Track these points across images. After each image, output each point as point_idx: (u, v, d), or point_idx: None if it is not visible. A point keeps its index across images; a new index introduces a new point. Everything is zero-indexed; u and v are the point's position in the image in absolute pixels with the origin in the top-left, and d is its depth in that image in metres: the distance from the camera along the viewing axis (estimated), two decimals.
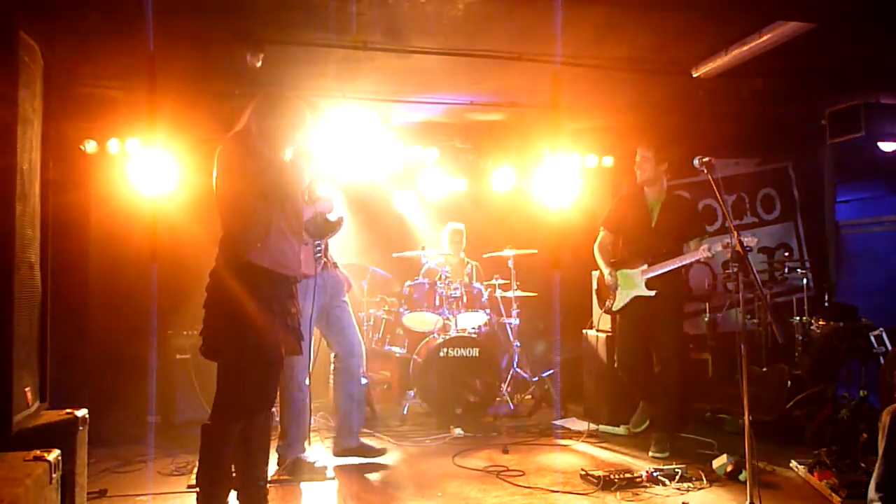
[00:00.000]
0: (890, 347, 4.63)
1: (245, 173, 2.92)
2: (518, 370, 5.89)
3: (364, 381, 4.28)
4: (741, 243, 3.26)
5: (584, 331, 5.55)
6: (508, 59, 4.51)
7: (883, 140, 5.56)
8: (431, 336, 5.60)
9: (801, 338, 5.51)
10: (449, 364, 5.29)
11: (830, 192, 7.33)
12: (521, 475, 3.94)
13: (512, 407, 5.59)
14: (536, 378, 5.92)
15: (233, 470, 3.03)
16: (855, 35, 4.32)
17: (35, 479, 2.14)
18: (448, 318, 5.59)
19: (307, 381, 3.98)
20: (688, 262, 4.35)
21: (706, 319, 6.23)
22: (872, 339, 4.72)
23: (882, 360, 4.57)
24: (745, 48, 4.27)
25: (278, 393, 3.95)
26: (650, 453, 4.34)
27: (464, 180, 6.73)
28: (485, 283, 6.05)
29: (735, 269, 3.39)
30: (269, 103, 3.07)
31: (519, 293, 5.98)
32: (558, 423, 5.32)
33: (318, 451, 4.40)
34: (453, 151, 6.41)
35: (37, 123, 2.68)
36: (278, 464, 3.95)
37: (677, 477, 3.75)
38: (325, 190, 3.52)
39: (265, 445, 3.15)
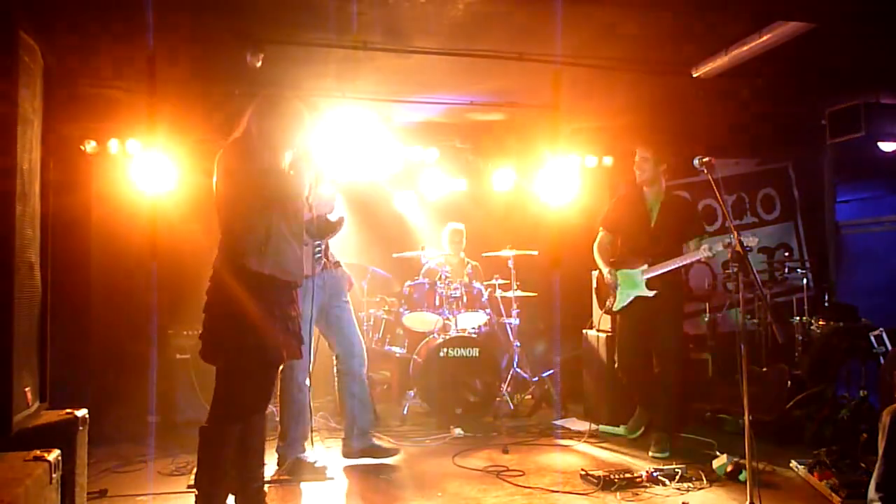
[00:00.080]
0: (890, 347, 4.63)
1: (246, 179, 2.92)
2: (518, 370, 5.89)
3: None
4: (741, 243, 3.26)
5: (584, 331, 5.55)
6: (508, 59, 4.51)
7: (883, 140, 5.56)
8: (431, 336, 5.60)
9: (801, 338, 5.51)
10: (449, 364, 5.28)
11: (830, 192, 7.33)
12: (521, 475, 3.94)
13: (512, 407, 5.59)
14: (536, 378, 5.91)
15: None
16: (855, 35, 4.32)
17: (35, 480, 2.14)
18: (448, 318, 5.59)
19: (307, 382, 3.98)
20: (688, 261, 4.35)
21: (706, 319, 6.23)
22: (872, 339, 4.72)
23: (882, 360, 4.57)
24: (745, 48, 4.27)
25: (279, 393, 3.98)
26: (650, 453, 4.34)
27: (464, 180, 6.73)
28: (485, 283, 6.05)
29: (735, 269, 3.40)
30: (268, 104, 3.08)
31: (519, 293, 5.97)
32: (558, 423, 5.32)
33: (319, 451, 4.40)
34: (453, 151, 6.41)
35: (37, 123, 2.68)
36: (278, 464, 3.95)
37: (677, 477, 3.75)
38: (325, 190, 3.53)
39: (261, 446, 3.15)
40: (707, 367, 5.82)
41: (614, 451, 4.53)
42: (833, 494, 3.47)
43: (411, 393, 5.48)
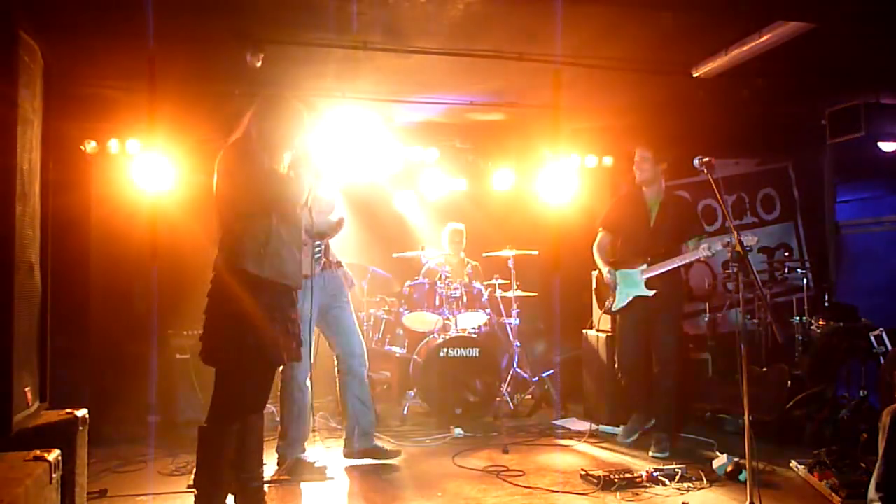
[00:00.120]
0: (890, 347, 4.63)
1: (247, 180, 2.93)
2: (518, 370, 5.89)
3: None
4: (741, 243, 3.26)
5: (584, 331, 5.55)
6: (508, 59, 4.51)
7: (883, 140, 5.57)
8: (431, 336, 5.60)
9: (801, 338, 5.50)
10: (449, 364, 5.28)
11: (830, 192, 7.33)
12: (521, 475, 3.94)
13: (512, 407, 5.60)
14: (536, 378, 5.91)
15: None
16: (855, 35, 4.32)
17: (35, 479, 2.14)
18: (448, 318, 5.59)
19: (308, 382, 3.98)
20: (688, 261, 4.35)
21: (706, 319, 6.23)
22: (872, 339, 4.72)
23: (882, 360, 4.57)
24: (745, 48, 4.27)
25: (279, 393, 3.98)
26: (650, 453, 4.34)
27: (464, 180, 6.73)
28: (485, 283, 6.05)
29: (735, 269, 3.40)
30: (268, 105, 3.08)
31: (519, 293, 5.97)
32: (558, 423, 5.32)
33: (319, 451, 4.40)
34: (453, 151, 6.41)
35: (37, 123, 2.68)
36: (278, 464, 3.95)
37: (677, 477, 3.75)
38: (325, 191, 3.52)
39: (259, 446, 3.16)
40: (707, 367, 5.82)
41: (614, 451, 4.53)
42: (833, 494, 3.47)
43: (411, 393, 5.48)
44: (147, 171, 5.22)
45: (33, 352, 2.69)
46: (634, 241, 4.59)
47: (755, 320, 6.08)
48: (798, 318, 5.61)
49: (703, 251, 4.16)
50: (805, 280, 5.84)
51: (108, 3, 3.70)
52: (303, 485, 3.79)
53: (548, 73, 4.76)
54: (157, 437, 4.76)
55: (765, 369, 5.15)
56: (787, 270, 6.08)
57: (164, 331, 5.28)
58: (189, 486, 3.59)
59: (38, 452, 2.30)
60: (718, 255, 4.16)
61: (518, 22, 4.08)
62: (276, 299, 2.97)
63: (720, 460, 3.89)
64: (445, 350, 5.31)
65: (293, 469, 3.90)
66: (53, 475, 2.32)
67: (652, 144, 4.55)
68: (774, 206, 7.36)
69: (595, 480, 3.71)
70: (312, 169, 3.16)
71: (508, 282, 5.98)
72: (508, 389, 5.71)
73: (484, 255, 6.19)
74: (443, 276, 5.63)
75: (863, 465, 3.61)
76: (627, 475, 3.72)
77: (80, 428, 2.80)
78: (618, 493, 3.57)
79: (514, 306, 5.96)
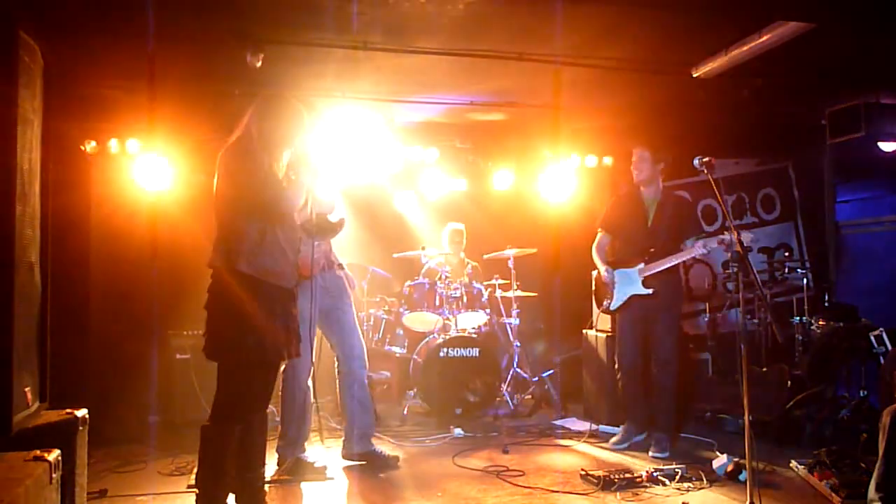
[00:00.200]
0: (890, 347, 4.63)
1: (246, 181, 2.93)
2: (518, 370, 5.89)
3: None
4: (741, 243, 3.26)
5: (584, 331, 5.55)
6: (508, 58, 4.51)
7: (883, 140, 5.57)
8: (431, 336, 5.60)
9: (801, 338, 5.51)
10: (449, 364, 5.29)
11: (830, 192, 7.33)
12: (521, 475, 3.94)
13: (512, 407, 5.60)
14: (536, 378, 5.91)
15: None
16: (855, 35, 4.32)
17: (35, 480, 2.14)
18: (448, 318, 5.59)
19: (309, 382, 3.98)
20: (684, 259, 4.36)
21: (706, 319, 6.23)
22: (872, 339, 4.72)
23: (882, 360, 4.57)
24: (745, 48, 4.27)
25: (280, 393, 3.98)
26: (650, 453, 4.34)
27: (464, 180, 6.73)
28: (485, 283, 6.05)
29: (735, 269, 3.40)
30: (268, 105, 3.08)
31: (519, 293, 5.97)
32: (558, 423, 5.32)
33: (319, 451, 4.40)
34: (453, 151, 6.41)
35: (37, 123, 2.68)
36: (278, 464, 3.95)
37: (677, 477, 3.75)
38: (325, 192, 3.52)
39: (261, 445, 3.16)
40: (707, 367, 5.82)
41: (614, 451, 4.52)
42: (833, 494, 3.46)
43: (411, 393, 5.48)
44: (147, 171, 5.22)
45: (33, 352, 2.69)
46: (632, 240, 4.59)
47: (755, 320, 6.07)
48: (798, 318, 5.61)
49: (697, 249, 4.17)
50: (805, 280, 5.84)
51: (109, 3, 3.70)
52: (303, 485, 3.79)
53: (548, 73, 4.76)
54: (157, 437, 4.76)
55: (765, 369, 5.15)
56: (787, 270, 6.08)
57: (164, 331, 5.28)
58: (189, 486, 3.61)
59: (38, 452, 2.30)
60: (718, 255, 4.16)
61: (518, 22, 4.08)
62: (273, 298, 2.97)
63: (720, 460, 3.89)
64: (445, 350, 5.31)
65: (293, 469, 3.90)
66: (53, 475, 2.32)
67: (649, 144, 4.55)
68: (774, 206, 7.36)
69: (595, 480, 3.71)
70: (311, 169, 3.16)
71: (508, 282, 5.98)
72: (508, 389, 5.71)
73: (484, 256, 6.19)
74: (443, 276, 5.63)
75: (863, 465, 3.61)
76: (627, 475, 3.72)
77: (80, 428, 2.80)
78: (618, 493, 3.57)
79: (514, 306, 5.96)
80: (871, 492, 3.15)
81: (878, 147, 5.64)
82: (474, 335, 5.54)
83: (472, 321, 5.76)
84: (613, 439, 4.65)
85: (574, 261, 5.75)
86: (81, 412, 2.85)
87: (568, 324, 6.13)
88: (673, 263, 4.36)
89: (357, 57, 4.43)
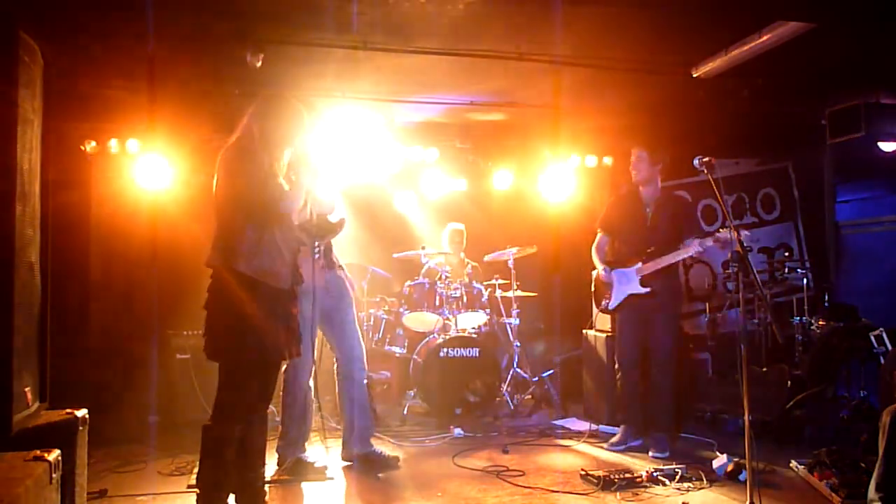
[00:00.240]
0: (890, 347, 4.63)
1: (246, 181, 2.93)
2: (518, 370, 5.89)
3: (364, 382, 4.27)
4: (741, 242, 3.26)
5: (584, 331, 5.55)
6: (508, 59, 4.51)
7: (883, 140, 5.57)
8: (431, 336, 5.60)
9: (801, 338, 5.51)
10: (449, 364, 5.29)
11: (830, 192, 7.33)
12: (521, 475, 3.94)
13: (512, 407, 5.59)
14: (536, 378, 5.91)
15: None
16: (855, 35, 4.32)
17: (35, 480, 2.14)
18: (448, 318, 5.59)
19: (311, 382, 3.98)
20: (681, 257, 4.38)
21: (706, 319, 6.22)
22: (872, 339, 4.72)
23: (882, 360, 4.57)
24: (745, 48, 4.27)
25: (281, 393, 3.98)
26: (650, 453, 4.34)
27: (464, 180, 6.74)
28: (485, 283, 6.05)
29: (735, 269, 3.39)
30: (268, 105, 3.09)
31: (519, 293, 5.97)
32: (558, 423, 5.32)
33: (319, 451, 4.39)
34: (453, 151, 6.42)
35: (37, 123, 2.69)
36: (278, 464, 3.95)
37: (677, 477, 3.75)
38: (325, 192, 3.52)
39: (262, 446, 3.16)
40: (707, 367, 5.82)
41: (614, 451, 4.52)
42: (833, 494, 3.47)
43: (411, 393, 5.48)
44: (147, 171, 5.22)
45: (33, 352, 2.69)
46: (631, 240, 4.59)
47: (755, 320, 6.07)
48: (798, 318, 5.61)
49: (695, 247, 4.18)
50: (805, 280, 5.84)
51: (109, 3, 3.70)
52: (303, 485, 3.79)
53: (548, 73, 4.76)
54: (157, 437, 4.76)
55: (765, 369, 5.15)
56: (787, 270, 6.08)
57: (164, 331, 5.28)
58: (190, 486, 3.61)
59: (38, 452, 2.30)
60: (717, 255, 4.16)
61: (518, 22, 4.08)
62: (273, 298, 2.97)
63: (720, 460, 3.89)
64: (445, 350, 5.31)
65: (293, 469, 3.90)
66: (53, 475, 2.32)
67: (648, 144, 4.55)
68: (774, 206, 7.36)
69: (595, 480, 3.71)
70: (311, 169, 3.16)
71: (508, 282, 5.98)
72: (508, 389, 5.71)
73: (485, 257, 6.19)
74: (443, 276, 5.63)
75: (863, 465, 3.61)
76: (627, 475, 3.72)
77: (80, 428, 2.80)
78: (618, 493, 3.57)
79: (514, 306, 5.96)
80: (871, 492, 3.14)
81: (878, 147, 5.65)
82: (474, 335, 5.54)
83: (472, 321, 5.75)
84: (611, 440, 4.65)
85: (574, 261, 5.75)
86: (81, 412, 2.85)
87: (568, 324, 6.13)
88: (669, 262, 4.37)
89: (357, 57, 4.43)
